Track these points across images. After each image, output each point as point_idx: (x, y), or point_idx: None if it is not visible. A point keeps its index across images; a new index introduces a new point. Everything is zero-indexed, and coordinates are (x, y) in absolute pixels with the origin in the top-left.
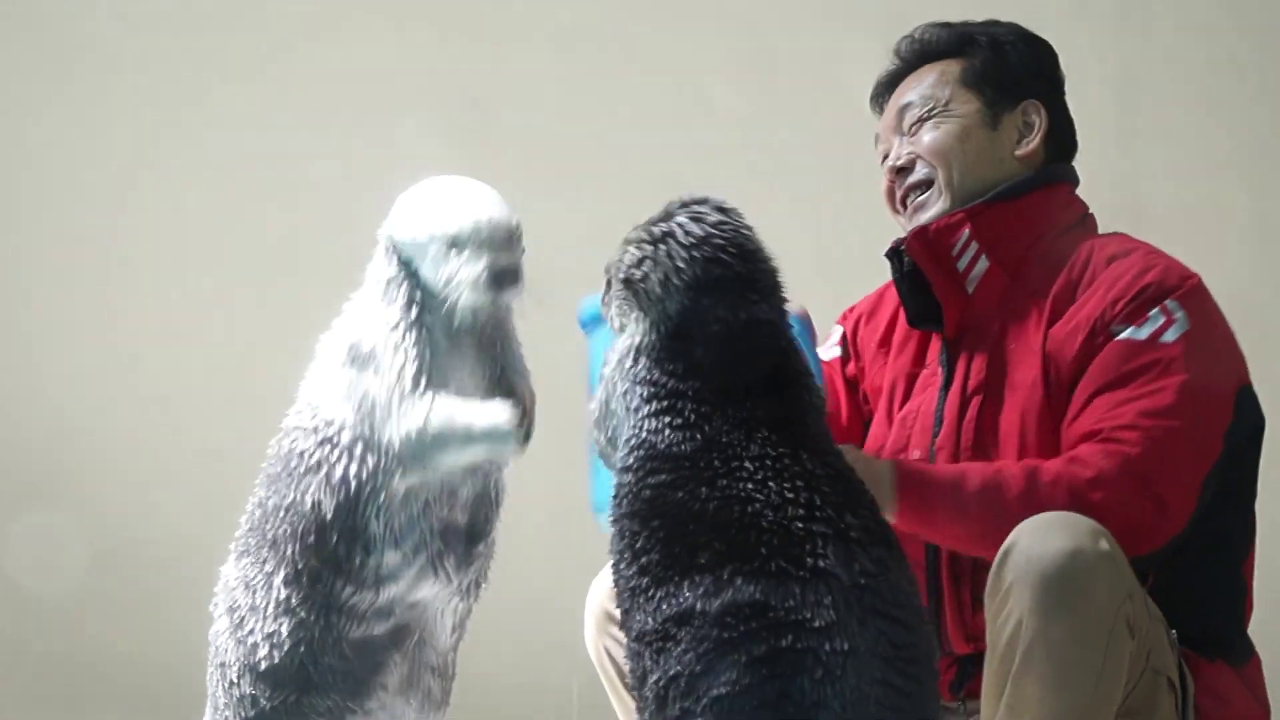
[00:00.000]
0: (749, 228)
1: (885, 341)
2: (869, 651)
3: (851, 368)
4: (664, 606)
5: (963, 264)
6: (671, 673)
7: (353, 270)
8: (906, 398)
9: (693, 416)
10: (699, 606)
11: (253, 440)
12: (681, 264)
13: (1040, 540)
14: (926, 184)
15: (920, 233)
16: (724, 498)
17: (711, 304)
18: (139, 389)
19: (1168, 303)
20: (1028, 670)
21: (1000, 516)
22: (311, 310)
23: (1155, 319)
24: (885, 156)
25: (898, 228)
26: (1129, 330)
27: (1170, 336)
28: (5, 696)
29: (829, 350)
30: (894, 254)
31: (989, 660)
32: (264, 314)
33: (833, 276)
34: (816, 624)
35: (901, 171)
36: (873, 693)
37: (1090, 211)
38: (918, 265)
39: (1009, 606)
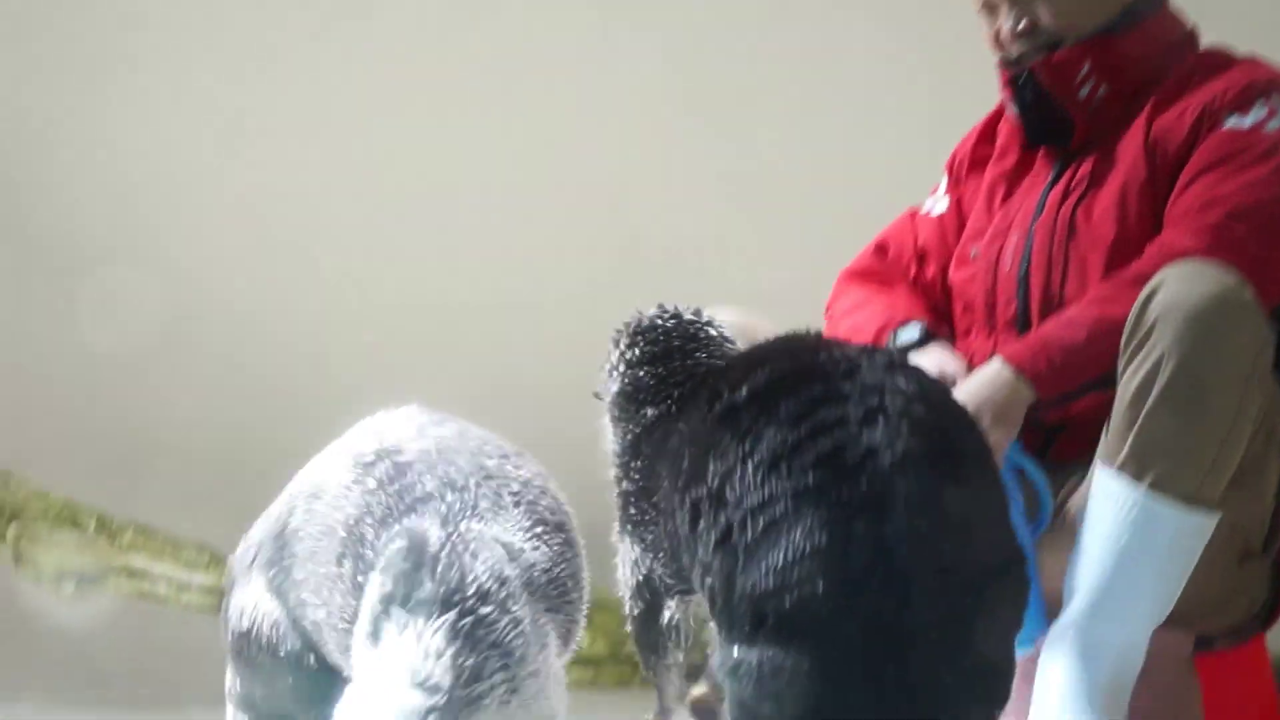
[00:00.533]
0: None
1: (981, 160)
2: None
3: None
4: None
5: (1083, 93)
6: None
7: None
8: (1008, 195)
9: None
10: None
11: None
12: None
13: (1186, 282)
14: (1032, 26)
15: (1044, 63)
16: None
17: None
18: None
19: (1274, 95)
20: (1164, 405)
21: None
22: None
23: (1260, 109)
24: (986, 5)
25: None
26: (1234, 118)
27: (1274, 125)
28: (70, 459)
29: (938, 201)
30: (1012, 82)
31: (1119, 402)
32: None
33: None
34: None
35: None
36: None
37: (1192, 27)
38: (1039, 91)
39: (1149, 344)
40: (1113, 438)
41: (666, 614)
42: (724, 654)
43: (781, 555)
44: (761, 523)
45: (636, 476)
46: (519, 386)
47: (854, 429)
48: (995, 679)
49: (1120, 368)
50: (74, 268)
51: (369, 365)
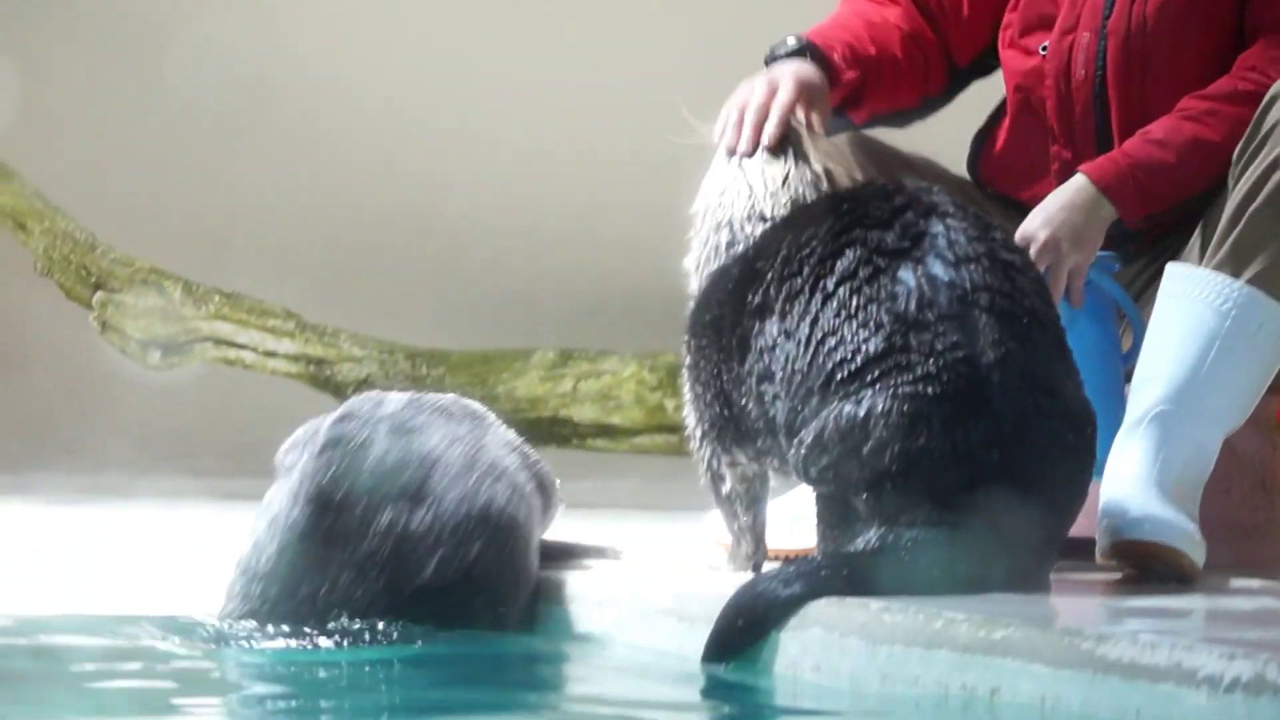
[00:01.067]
0: None
1: None
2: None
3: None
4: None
5: None
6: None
7: None
8: None
9: None
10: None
11: None
12: None
13: None
14: None
15: None
16: None
17: None
18: None
19: None
20: (1270, 208)
21: (1213, 142)
22: None
23: None
24: None
25: None
26: None
27: None
28: (156, 225)
29: None
30: None
31: (1226, 211)
32: None
33: None
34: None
35: None
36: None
37: None
38: None
39: (1265, 151)
40: (1211, 241)
41: (726, 486)
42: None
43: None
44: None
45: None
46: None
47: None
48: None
49: (1232, 174)
50: (163, 23)
51: (452, 141)
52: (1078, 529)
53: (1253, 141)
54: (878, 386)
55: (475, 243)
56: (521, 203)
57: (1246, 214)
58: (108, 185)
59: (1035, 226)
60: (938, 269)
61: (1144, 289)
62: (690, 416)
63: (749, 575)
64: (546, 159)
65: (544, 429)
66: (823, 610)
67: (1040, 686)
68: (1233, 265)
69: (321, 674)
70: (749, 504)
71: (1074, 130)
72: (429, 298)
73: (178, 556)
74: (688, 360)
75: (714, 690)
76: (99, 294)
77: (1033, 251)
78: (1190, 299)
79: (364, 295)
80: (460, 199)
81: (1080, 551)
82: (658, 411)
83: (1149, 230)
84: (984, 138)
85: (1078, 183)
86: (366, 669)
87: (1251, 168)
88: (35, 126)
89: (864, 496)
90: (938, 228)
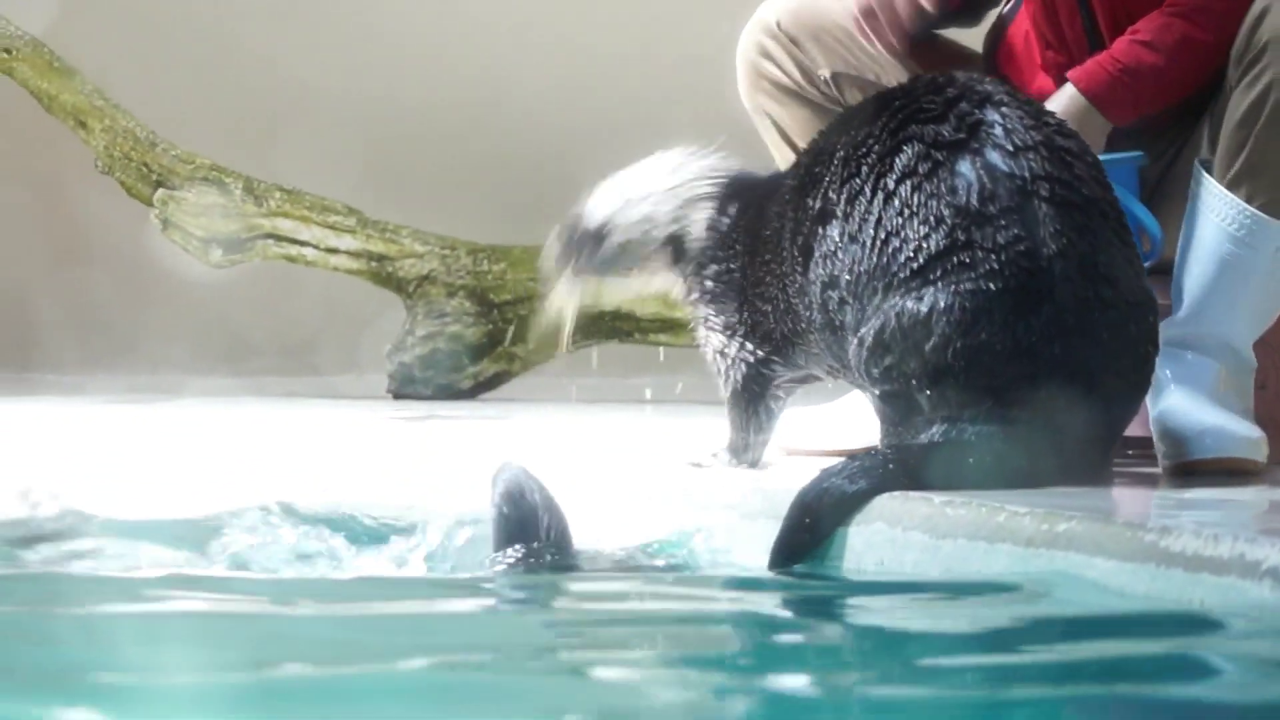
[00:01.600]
0: None
1: None
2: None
3: None
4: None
5: None
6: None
7: None
8: None
9: None
10: None
11: None
12: None
13: None
14: None
15: None
16: None
17: None
18: None
19: None
20: (1273, 129)
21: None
22: None
23: None
24: None
25: None
26: None
27: None
28: (216, 121)
29: None
30: None
31: (1229, 118)
32: None
33: None
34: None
35: None
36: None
37: None
38: None
39: (1260, 66)
40: (1222, 152)
41: (761, 399)
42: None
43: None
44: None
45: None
46: None
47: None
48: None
49: (1230, 84)
50: None
51: (512, 34)
52: (1134, 426)
53: (1245, 56)
54: (940, 284)
55: (536, 137)
56: (581, 96)
57: (1252, 135)
58: (168, 82)
59: None
60: (996, 159)
61: (1165, 171)
62: (721, 333)
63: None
64: (605, 52)
65: (606, 324)
66: (886, 506)
67: (1103, 579)
68: (1245, 188)
69: None
70: (771, 418)
71: (1063, 32)
72: (490, 193)
73: (241, 454)
74: (709, 284)
75: (777, 586)
76: (160, 191)
77: None
78: (1207, 216)
79: (425, 190)
80: (520, 92)
81: (1138, 447)
82: None
83: (1161, 121)
84: (997, 32)
85: (1068, 91)
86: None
87: (1246, 82)
88: (95, 24)
89: (926, 393)
90: (993, 116)
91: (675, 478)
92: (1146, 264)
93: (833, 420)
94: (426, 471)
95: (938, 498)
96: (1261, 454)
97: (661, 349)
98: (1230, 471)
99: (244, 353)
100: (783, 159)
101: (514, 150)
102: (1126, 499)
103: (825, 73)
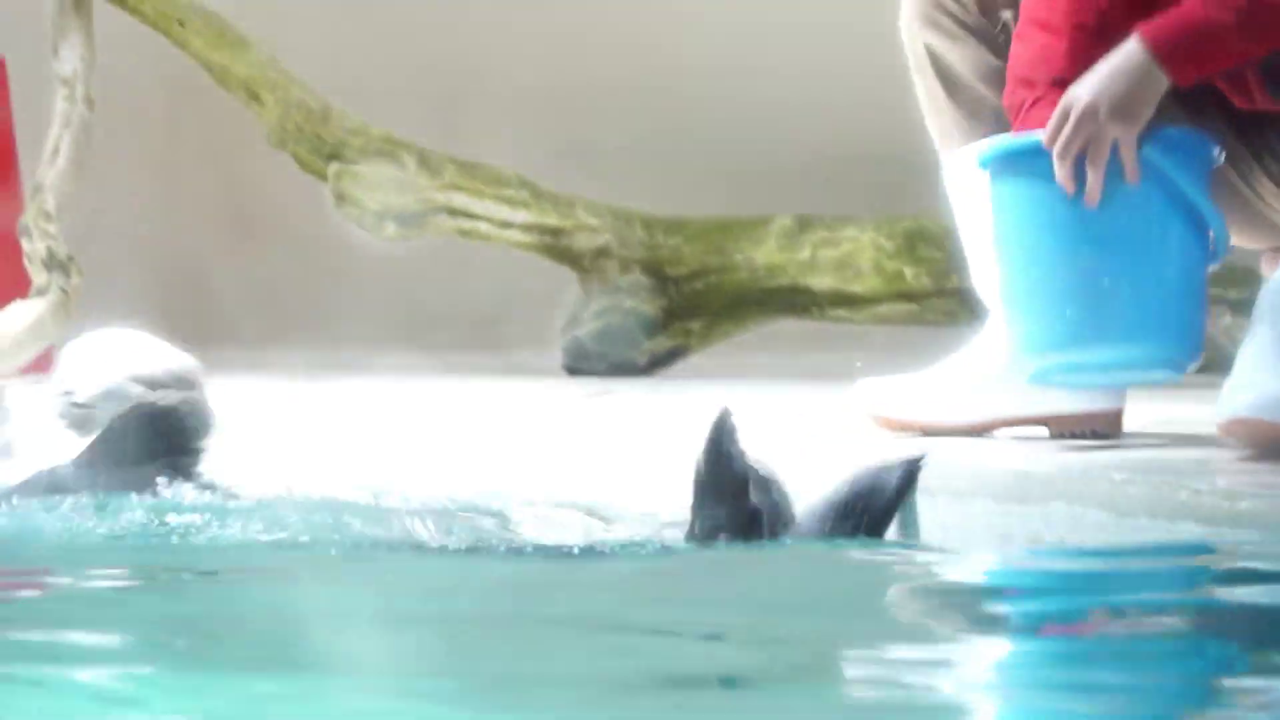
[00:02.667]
0: None
1: None
2: None
3: None
4: None
5: None
6: None
7: None
8: None
9: None
10: None
11: None
12: None
13: None
14: None
15: None
16: None
17: None
18: None
19: None
20: None
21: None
22: None
23: None
24: None
25: None
26: None
27: None
28: (390, 93)
29: None
30: None
31: None
32: None
33: None
34: None
35: None
36: None
37: None
38: None
39: None
40: None
41: None
42: None
43: None
44: None
45: None
46: None
47: None
48: None
49: None
50: None
51: (687, 4)
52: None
53: None
54: None
55: (712, 109)
56: (758, 68)
57: None
58: (341, 53)
59: (1078, 92)
60: None
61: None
62: None
63: None
64: (781, 23)
65: (782, 298)
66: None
67: None
68: None
69: None
70: None
71: None
72: (665, 165)
73: (422, 433)
74: None
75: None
76: (334, 165)
77: (1071, 119)
78: None
79: (599, 163)
80: (695, 64)
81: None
82: (897, 279)
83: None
84: None
85: (1129, 47)
86: None
87: None
88: None
89: None
90: None
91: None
92: (1211, 266)
93: (927, 390)
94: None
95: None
96: None
97: (839, 324)
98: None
99: (423, 328)
100: (927, 96)
101: (690, 122)
102: None
103: (1008, 14)
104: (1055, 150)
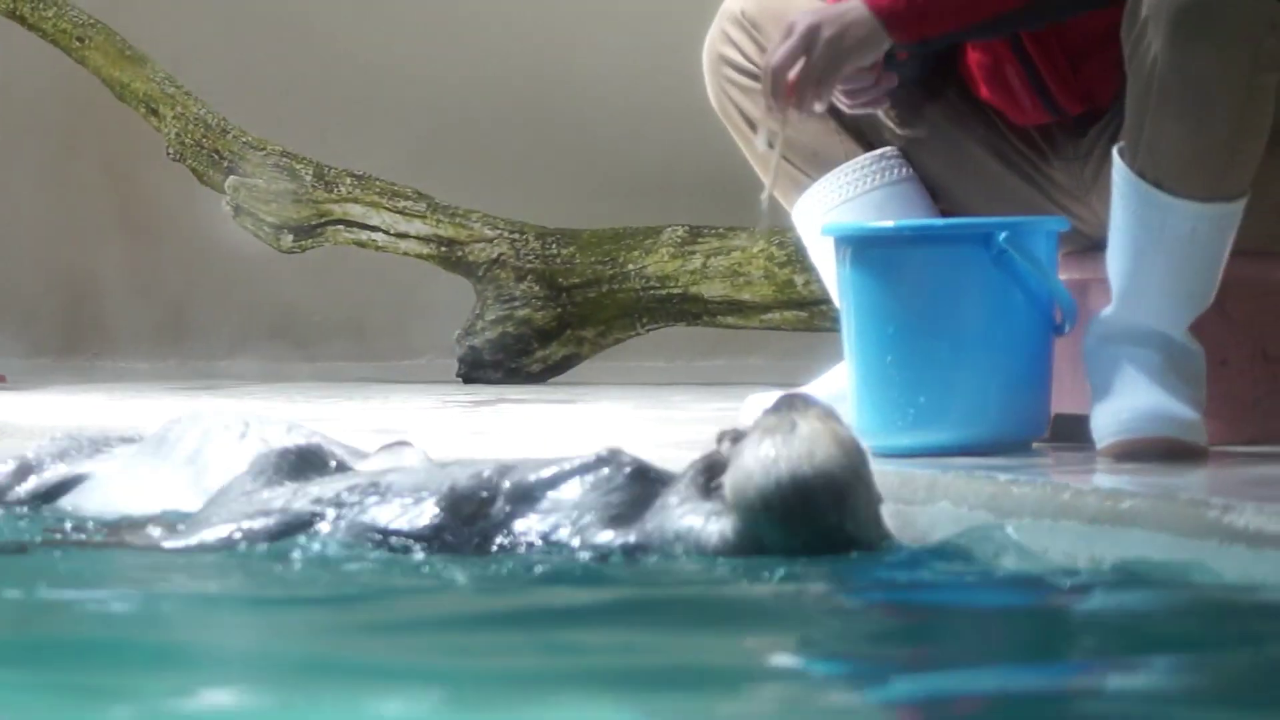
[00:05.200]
0: None
1: None
2: None
3: None
4: None
5: None
6: None
7: None
8: None
9: None
10: None
11: None
12: None
13: None
14: None
15: None
16: None
17: None
18: None
19: None
20: (1166, 108)
21: None
22: None
23: None
24: None
25: None
26: None
27: None
28: (287, 108)
29: None
30: None
31: (1130, 97)
32: None
33: None
34: None
35: None
36: None
37: None
38: None
39: (1146, 40)
40: (1128, 129)
41: None
42: None
43: None
44: None
45: None
46: None
47: None
48: None
49: (1124, 52)
50: None
51: (580, 17)
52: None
53: (1133, 27)
54: None
55: (604, 121)
56: (650, 79)
57: (1148, 115)
58: (238, 69)
59: (805, 16)
60: None
61: (1097, 170)
62: None
63: None
64: (674, 33)
65: (674, 306)
66: (951, 483)
67: (1167, 556)
68: (1151, 170)
69: None
70: None
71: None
72: (559, 177)
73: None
74: None
75: (838, 565)
76: (231, 178)
77: (787, 41)
78: (1120, 202)
79: (494, 175)
80: (588, 77)
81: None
82: (787, 287)
83: (1086, 116)
84: None
85: (855, 3)
86: None
87: (1138, 57)
88: (167, 11)
89: None
90: None
91: None
92: (1059, 336)
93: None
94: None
95: (1002, 475)
96: (1199, 436)
97: (730, 331)
98: (1166, 453)
99: (315, 338)
100: (751, 156)
101: (583, 134)
102: (1187, 477)
103: None
104: (768, 62)
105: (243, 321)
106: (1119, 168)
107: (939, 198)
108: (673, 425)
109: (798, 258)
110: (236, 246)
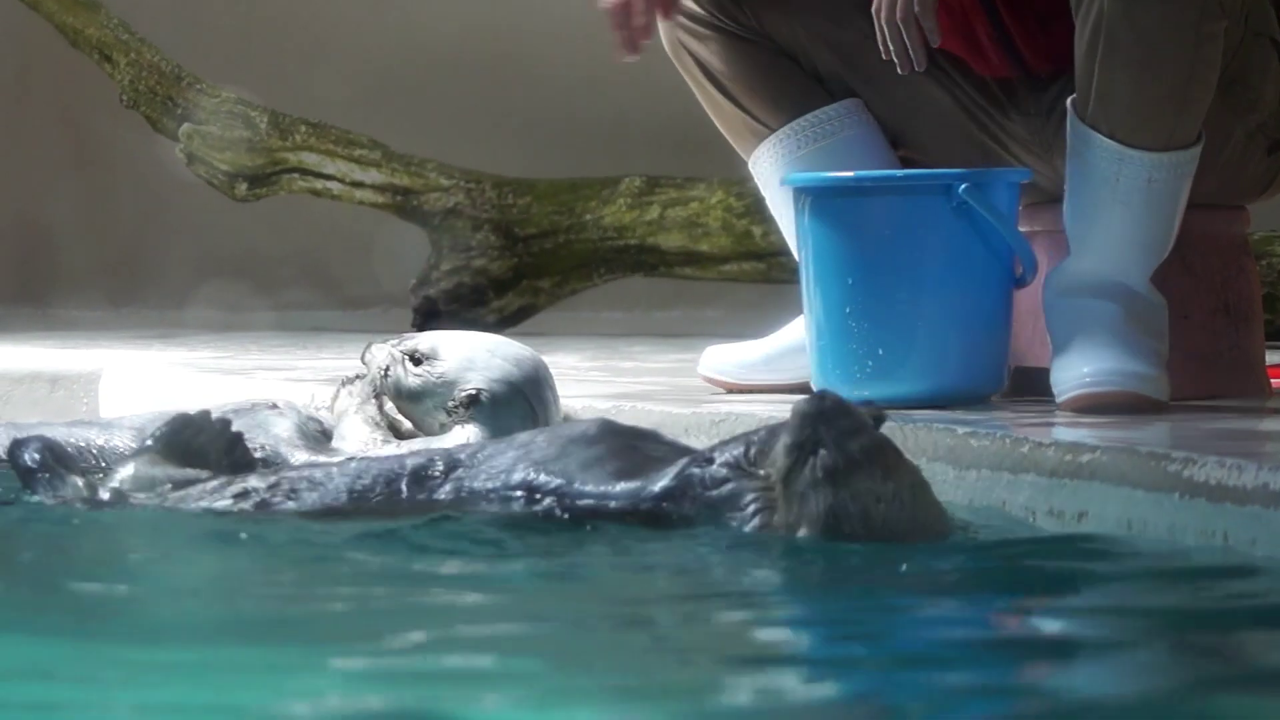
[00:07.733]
0: None
1: None
2: None
3: None
4: None
5: None
6: None
7: None
8: None
9: None
10: None
11: None
12: None
13: None
14: None
15: None
16: None
17: None
18: None
19: None
20: (1114, 60)
21: None
22: None
23: None
24: None
25: None
26: None
27: None
28: (242, 55)
29: None
30: None
31: (1079, 49)
32: None
33: None
34: None
35: None
36: None
37: None
38: None
39: None
40: (1080, 81)
41: None
42: None
43: None
44: None
45: None
46: None
47: None
48: None
49: (1071, 3)
50: None
51: None
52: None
53: None
54: None
55: (561, 71)
56: (608, 28)
57: (1096, 66)
58: (193, 16)
59: None
60: None
61: (1059, 127)
62: None
63: None
64: None
65: (631, 257)
66: (910, 435)
67: (1127, 510)
68: (1103, 122)
69: None
70: None
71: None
72: (515, 127)
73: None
74: None
75: None
76: (185, 126)
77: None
78: (1076, 157)
79: (450, 124)
80: (545, 25)
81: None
82: (745, 238)
83: (1046, 76)
84: None
85: None
86: None
87: (1084, 10)
88: None
89: None
90: None
91: None
92: (1020, 288)
93: (763, 354)
94: None
95: (961, 428)
96: (1161, 391)
97: (687, 282)
98: (1127, 408)
99: (271, 286)
100: (710, 105)
101: (540, 84)
102: (1148, 430)
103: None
104: (882, 16)
105: (200, 268)
106: (1073, 121)
107: (897, 144)
108: (621, 376)
109: (756, 209)
110: (192, 193)
